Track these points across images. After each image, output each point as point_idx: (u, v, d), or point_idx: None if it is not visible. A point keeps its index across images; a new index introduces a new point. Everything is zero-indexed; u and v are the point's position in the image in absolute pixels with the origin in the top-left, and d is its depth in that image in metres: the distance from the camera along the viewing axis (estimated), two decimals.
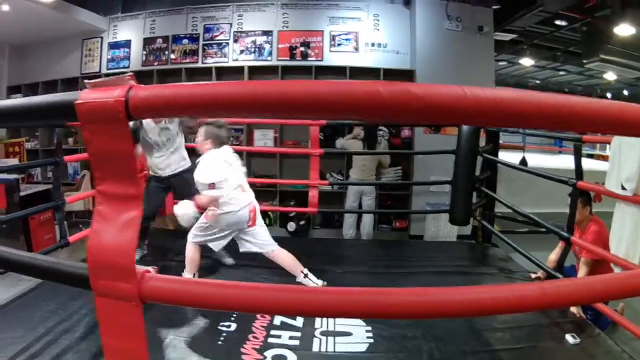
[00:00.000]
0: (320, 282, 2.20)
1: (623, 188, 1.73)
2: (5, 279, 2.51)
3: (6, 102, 0.86)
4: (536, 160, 4.64)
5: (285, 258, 2.17)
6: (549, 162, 4.93)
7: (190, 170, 2.50)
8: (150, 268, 0.80)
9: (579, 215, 2.14)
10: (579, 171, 2.10)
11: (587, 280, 1.03)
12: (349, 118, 0.83)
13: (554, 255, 2.46)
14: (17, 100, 0.85)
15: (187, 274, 2.20)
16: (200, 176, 2.03)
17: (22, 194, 3.64)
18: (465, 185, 3.07)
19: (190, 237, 2.19)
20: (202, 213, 2.13)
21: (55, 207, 2.39)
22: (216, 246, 2.19)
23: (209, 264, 2.55)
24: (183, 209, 1.99)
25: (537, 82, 8.92)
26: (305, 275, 2.18)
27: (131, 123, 2.26)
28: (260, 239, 2.17)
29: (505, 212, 3.33)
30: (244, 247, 2.17)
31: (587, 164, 5.70)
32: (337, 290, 0.78)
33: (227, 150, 2.14)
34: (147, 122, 2.40)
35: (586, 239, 2.21)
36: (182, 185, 2.46)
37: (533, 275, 2.48)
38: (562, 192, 2.40)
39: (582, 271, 2.13)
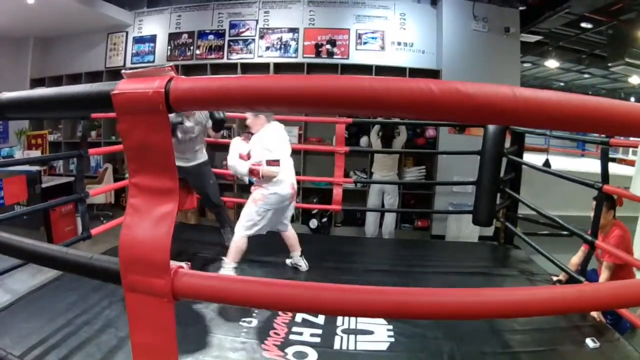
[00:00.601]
0: (304, 264, 2.46)
1: None
2: (26, 270, 2.53)
3: (40, 91, 0.82)
4: (560, 163, 4.60)
5: (295, 236, 2.45)
6: (572, 165, 4.89)
7: (208, 163, 2.60)
8: (183, 264, 0.78)
9: (602, 219, 2.11)
10: (605, 174, 2.05)
11: (610, 285, 1.01)
12: (398, 115, 0.82)
13: (576, 259, 2.44)
14: (51, 90, 0.82)
15: (230, 264, 2.21)
16: (259, 152, 2.09)
17: (43, 185, 3.67)
18: (489, 186, 3.05)
19: (241, 231, 2.21)
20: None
21: (79, 199, 2.40)
22: (264, 229, 2.25)
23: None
24: (235, 163, 2.13)
25: (561, 84, 8.82)
26: (301, 254, 2.46)
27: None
28: (288, 217, 2.34)
29: (528, 214, 3.31)
30: (272, 225, 2.29)
31: (610, 168, 5.67)
32: (361, 290, 0.76)
33: (278, 125, 2.23)
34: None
35: (609, 243, 2.19)
36: (197, 177, 2.51)
37: (555, 278, 2.46)
38: (584, 195, 2.40)
39: (603, 275, 2.11)
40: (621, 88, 8.52)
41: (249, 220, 2.18)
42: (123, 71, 0.75)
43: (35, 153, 4.63)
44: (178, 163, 2.34)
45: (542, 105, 0.67)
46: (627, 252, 2.05)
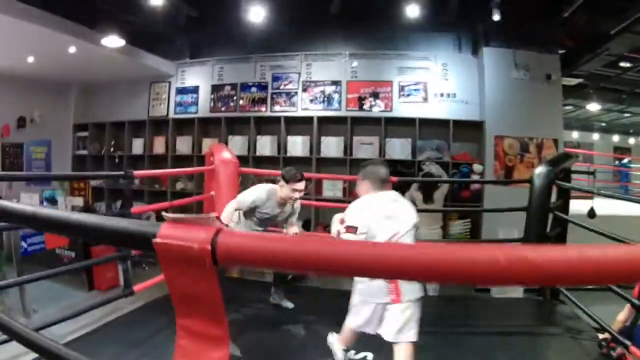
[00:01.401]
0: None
1: None
2: None
3: (85, 217, 0.79)
4: (604, 206, 4.48)
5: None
6: (617, 208, 4.75)
7: None
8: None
9: None
10: None
11: None
12: (463, 283, 0.82)
13: (622, 316, 2.35)
14: (96, 219, 0.79)
15: (338, 345, 1.94)
16: (349, 217, 1.71)
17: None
18: (535, 243, 3.01)
19: (348, 318, 1.81)
20: None
21: (121, 257, 2.44)
22: (365, 326, 1.75)
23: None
24: (335, 226, 1.79)
25: (603, 124, 8.73)
26: None
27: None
28: (392, 326, 1.68)
29: None
30: (380, 327, 1.73)
31: None
32: None
33: (388, 196, 1.73)
34: (267, 202, 2.34)
35: None
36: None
37: (601, 336, 2.39)
38: (629, 237, 2.35)
39: None
40: None
41: (353, 307, 1.77)
42: (164, 214, 0.71)
43: (78, 200, 4.73)
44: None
45: (611, 264, 0.65)
46: None
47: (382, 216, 1.68)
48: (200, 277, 0.69)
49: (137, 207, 2.80)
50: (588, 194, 4.49)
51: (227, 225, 2.08)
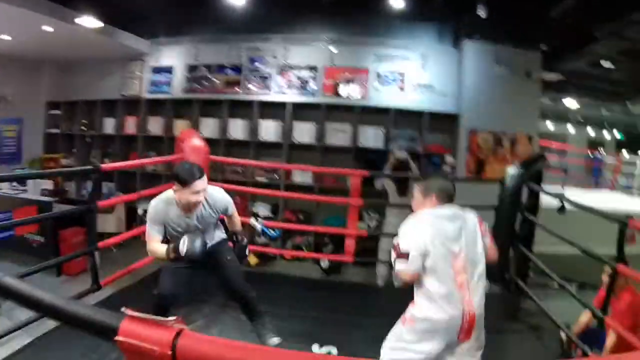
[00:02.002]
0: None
1: None
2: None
3: (46, 296, 0.79)
4: (576, 199, 4.48)
5: None
6: (588, 200, 4.79)
7: (226, 240, 2.07)
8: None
9: (615, 285, 2.11)
10: (620, 253, 2.00)
11: None
12: None
13: (585, 317, 2.43)
14: (62, 302, 0.79)
15: None
16: (400, 238, 1.46)
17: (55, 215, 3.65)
18: (503, 242, 3.01)
19: (386, 353, 1.53)
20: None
21: (89, 252, 2.39)
22: None
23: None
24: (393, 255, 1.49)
25: (579, 118, 8.77)
26: None
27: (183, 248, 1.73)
28: None
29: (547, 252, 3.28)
30: None
31: (625, 202, 5.57)
32: None
33: (452, 213, 1.46)
34: (169, 213, 1.83)
35: (619, 307, 2.21)
36: (213, 255, 1.95)
37: (563, 335, 2.42)
38: (598, 232, 2.35)
39: (610, 338, 2.13)
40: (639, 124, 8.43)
41: (397, 341, 1.49)
42: (124, 309, 0.72)
43: (47, 183, 4.59)
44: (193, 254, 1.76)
45: None
46: (635, 317, 2.11)
47: (443, 237, 1.40)
48: None
49: (104, 201, 2.71)
50: (559, 184, 4.49)
51: (175, 255, 1.67)
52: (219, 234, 2.04)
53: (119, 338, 0.69)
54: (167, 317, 1.89)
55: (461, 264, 1.41)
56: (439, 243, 1.41)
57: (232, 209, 2.02)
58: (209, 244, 1.91)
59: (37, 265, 2.09)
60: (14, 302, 0.85)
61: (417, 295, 1.45)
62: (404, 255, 1.41)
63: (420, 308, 1.44)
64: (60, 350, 1.91)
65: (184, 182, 1.72)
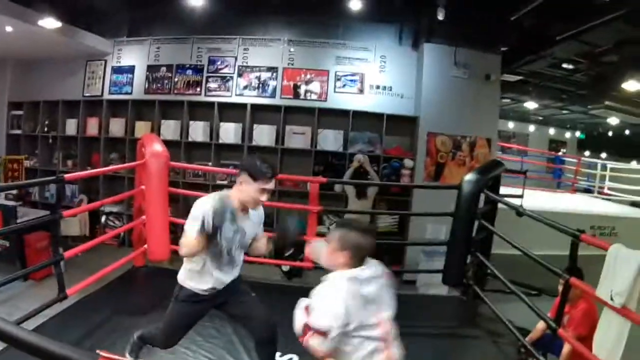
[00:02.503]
0: None
1: (612, 299, 1.73)
2: None
3: (29, 336, 0.84)
4: (536, 201, 4.58)
5: None
6: (548, 203, 4.89)
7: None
8: None
9: (570, 293, 2.15)
10: (573, 266, 2.06)
11: None
12: None
13: (541, 325, 2.46)
14: (40, 340, 0.83)
15: None
16: (317, 311, 1.32)
17: (19, 220, 3.62)
18: (460, 248, 3.07)
19: None
20: None
21: (55, 262, 2.38)
22: None
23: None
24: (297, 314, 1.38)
25: (540, 118, 8.88)
26: None
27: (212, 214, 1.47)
28: None
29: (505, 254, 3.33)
30: None
31: (588, 204, 5.68)
32: None
33: (370, 271, 1.35)
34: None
35: (575, 315, 2.26)
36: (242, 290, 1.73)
37: (520, 342, 2.46)
38: (557, 233, 2.32)
39: (566, 347, 2.18)
40: (600, 124, 8.61)
41: None
42: (99, 351, 0.77)
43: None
44: (220, 287, 1.61)
45: None
46: (592, 325, 2.11)
47: (363, 302, 1.31)
48: None
49: (69, 211, 2.67)
50: (520, 186, 4.58)
51: (205, 234, 1.45)
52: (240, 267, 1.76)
53: None
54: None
55: (386, 326, 1.35)
56: (360, 313, 1.30)
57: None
58: (233, 275, 1.70)
59: (5, 278, 2.09)
60: None
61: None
62: (322, 334, 1.28)
63: None
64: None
65: (260, 175, 1.53)
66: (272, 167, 1.58)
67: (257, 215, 1.69)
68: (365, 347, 1.32)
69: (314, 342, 1.31)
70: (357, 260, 1.35)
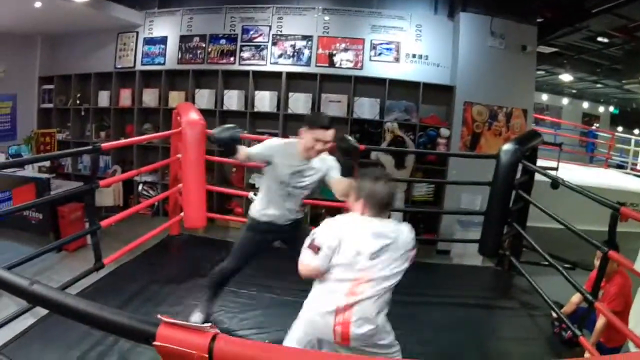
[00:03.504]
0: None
1: None
2: None
3: (89, 306, 0.83)
4: (569, 175, 4.51)
5: None
6: (582, 177, 4.82)
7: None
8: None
9: (607, 267, 2.09)
10: (611, 240, 2.00)
11: None
12: None
13: (576, 298, 2.43)
14: (98, 309, 0.83)
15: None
16: (318, 232, 1.38)
17: (52, 192, 3.65)
18: (497, 218, 3.05)
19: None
20: None
21: (92, 232, 2.36)
22: None
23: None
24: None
25: (574, 91, 8.71)
26: None
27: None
28: None
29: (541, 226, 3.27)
30: None
31: (620, 179, 5.59)
32: None
33: (380, 226, 1.34)
34: (283, 152, 1.80)
35: (609, 289, 2.22)
36: (296, 239, 1.76)
37: (554, 315, 2.42)
38: (592, 208, 2.29)
39: (601, 321, 2.13)
40: (634, 99, 8.44)
41: (293, 331, 1.44)
42: (160, 316, 0.76)
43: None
44: (279, 221, 1.83)
45: None
46: (626, 300, 2.12)
47: (354, 249, 1.30)
48: None
49: (105, 180, 2.66)
50: (554, 159, 4.51)
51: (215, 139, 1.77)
52: (301, 211, 1.93)
53: (157, 343, 0.74)
54: (224, 287, 1.91)
55: (366, 278, 1.29)
56: (351, 253, 1.30)
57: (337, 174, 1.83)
58: (291, 219, 1.88)
59: (40, 249, 2.08)
60: (47, 309, 0.87)
61: (313, 287, 1.38)
62: (315, 249, 1.33)
63: (308, 303, 1.38)
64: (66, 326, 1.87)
65: (310, 124, 1.74)
66: (321, 117, 1.76)
67: (321, 162, 1.80)
68: (331, 289, 1.30)
69: (304, 257, 1.35)
70: (373, 209, 1.33)
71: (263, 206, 1.87)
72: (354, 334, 1.27)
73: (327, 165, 1.80)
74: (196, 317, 1.98)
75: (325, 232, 1.35)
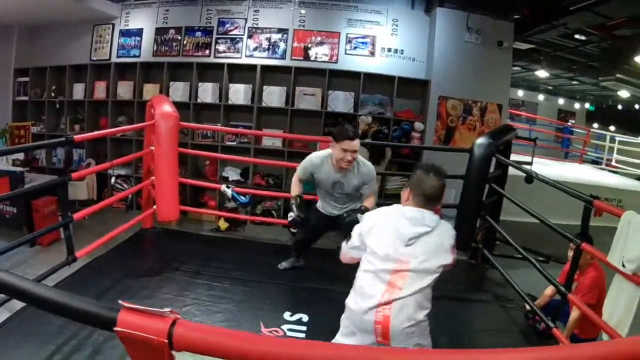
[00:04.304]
0: None
1: (623, 265, 1.68)
2: None
3: (49, 292, 0.82)
4: (544, 170, 4.55)
5: None
6: (557, 172, 4.85)
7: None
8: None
9: (580, 260, 2.11)
10: (584, 231, 2.02)
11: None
12: None
13: (549, 290, 2.45)
14: (60, 295, 0.82)
15: None
16: (353, 233, 1.42)
17: (26, 186, 3.57)
18: (471, 211, 3.05)
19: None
20: None
21: (65, 225, 2.31)
22: None
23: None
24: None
25: (550, 87, 8.79)
26: None
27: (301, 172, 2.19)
28: None
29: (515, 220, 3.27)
30: None
31: (595, 175, 5.64)
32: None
33: (416, 216, 1.30)
34: (321, 167, 2.10)
35: (583, 282, 2.24)
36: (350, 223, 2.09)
37: (528, 307, 2.43)
38: (566, 202, 2.35)
39: (574, 313, 2.15)
40: (610, 96, 8.55)
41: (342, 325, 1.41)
42: (121, 301, 0.75)
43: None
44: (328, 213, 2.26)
45: None
46: (600, 292, 2.13)
47: (389, 234, 1.28)
48: (160, 358, 0.75)
49: (78, 172, 2.65)
50: (529, 154, 4.54)
51: (298, 199, 2.11)
52: (353, 207, 2.17)
53: (117, 329, 0.73)
54: (301, 255, 2.46)
55: (403, 269, 1.26)
56: (388, 240, 1.28)
57: (374, 189, 2.20)
58: (339, 212, 2.21)
59: (12, 242, 2.05)
60: (10, 297, 0.82)
61: (356, 278, 1.36)
62: (349, 236, 1.39)
63: (349, 298, 1.34)
64: (41, 319, 1.89)
65: (336, 137, 1.95)
66: (345, 130, 1.95)
67: (357, 173, 2.06)
68: (372, 279, 1.28)
69: (343, 243, 1.40)
70: (419, 199, 1.31)
71: (319, 203, 2.31)
72: (394, 330, 1.23)
73: (362, 178, 2.07)
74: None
75: (364, 220, 1.40)
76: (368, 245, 1.31)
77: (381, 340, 1.26)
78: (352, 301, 1.31)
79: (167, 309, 0.75)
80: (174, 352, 0.75)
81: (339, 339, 1.37)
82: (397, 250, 1.27)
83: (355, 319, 1.30)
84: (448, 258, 1.33)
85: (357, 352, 0.80)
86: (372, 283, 1.27)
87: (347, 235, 1.74)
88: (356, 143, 1.93)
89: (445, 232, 1.34)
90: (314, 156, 2.12)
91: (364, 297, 1.27)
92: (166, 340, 0.71)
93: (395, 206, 1.36)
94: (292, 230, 2.73)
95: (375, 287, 1.26)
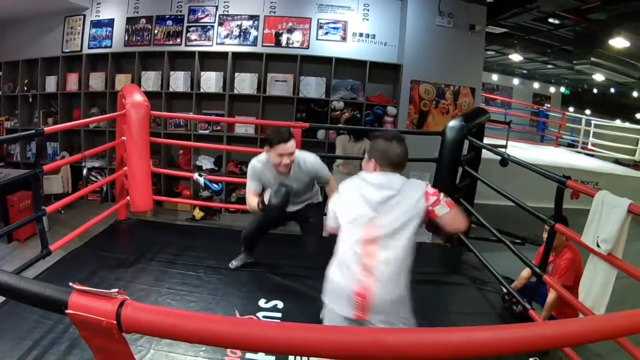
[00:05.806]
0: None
1: (598, 245, 1.68)
2: None
3: (3, 276, 0.82)
4: (519, 153, 4.58)
5: None
6: (532, 155, 4.89)
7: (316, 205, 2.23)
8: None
9: (555, 241, 2.12)
10: (558, 212, 2.02)
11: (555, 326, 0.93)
12: None
13: (525, 272, 2.46)
14: (11, 278, 0.82)
15: None
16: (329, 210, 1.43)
17: (0, 181, 3.52)
18: (446, 194, 3.04)
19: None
20: None
21: (37, 218, 2.28)
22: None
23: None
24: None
25: (524, 71, 8.81)
26: None
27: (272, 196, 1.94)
28: None
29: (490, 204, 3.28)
30: None
31: (571, 158, 5.68)
32: (328, 329, 0.77)
33: (383, 179, 1.30)
34: (264, 172, 2.03)
35: (560, 264, 2.24)
36: (303, 217, 2.19)
37: (504, 290, 2.43)
38: (541, 185, 2.38)
39: (551, 295, 2.16)
40: (585, 80, 8.57)
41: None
42: (72, 284, 0.75)
43: None
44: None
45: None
46: (576, 274, 2.12)
47: (356, 200, 1.29)
48: (111, 340, 0.76)
49: (49, 164, 2.62)
50: (504, 138, 4.56)
51: (262, 206, 1.93)
52: (311, 199, 2.20)
53: (69, 311, 0.73)
54: (254, 249, 2.32)
55: (375, 234, 1.24)
56: (355, 207, 1.29)
57: (327, 177, 2.11)
58: (296, 207, 2.14)
59: None
60: None
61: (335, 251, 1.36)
62: (332, 229, 1.39)
63: (325, 293, 1.34)
64: (17, 315, 1.89)
65: (271, 143, 1.89)
66: (279, 134, 1.87)
67: (302, 171, 2.01)
68: (347, 248, 1.29)
69: (326, 219, 1.45)
70: (387, 169, 1.30)
71: None
72: (375, 301, 1.21)
73: (309, 174, 2.03)
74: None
75: (336, 195, 1.42)
76: (339, 216, 1.33)
77: (359, 315, 1.24)
78: (332, 271, 1.33)
79: (114, 290, 0.74)
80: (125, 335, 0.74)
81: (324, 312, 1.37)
82: (367, 216, 1.27)
83: (332, 287, 1.31)
84: (421, 204, 1.29)
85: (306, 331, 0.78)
86: (348, 251, 1.28)
87: (304, 227, 2.01)
88: (291, 145, 1.87)
89: (414, 187, 1.32)
90: (255, 161, 2.02)
91: (341, 265, 1.29)
92: (114, 322, 0.71)
93: (361, 175, 1.35)
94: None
95: (350, 255, 1.26)
